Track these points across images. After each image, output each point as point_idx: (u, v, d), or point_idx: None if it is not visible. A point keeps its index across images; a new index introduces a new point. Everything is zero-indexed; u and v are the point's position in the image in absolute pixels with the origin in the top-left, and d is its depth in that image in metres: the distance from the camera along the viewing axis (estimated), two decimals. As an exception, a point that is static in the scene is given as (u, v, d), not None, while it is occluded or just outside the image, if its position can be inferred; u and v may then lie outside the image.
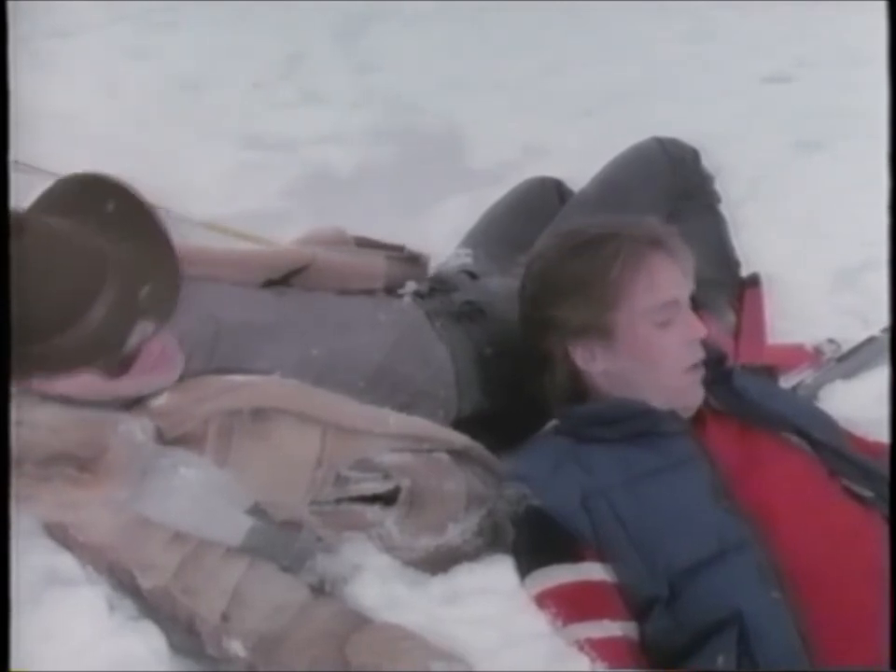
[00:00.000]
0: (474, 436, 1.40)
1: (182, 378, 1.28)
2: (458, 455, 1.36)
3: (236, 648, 1.17)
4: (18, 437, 1.16)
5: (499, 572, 1.25)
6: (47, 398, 1.20)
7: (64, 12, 2.82)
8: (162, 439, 1.21)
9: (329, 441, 1.26)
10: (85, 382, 1.19)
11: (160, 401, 1.24)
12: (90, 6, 2.91)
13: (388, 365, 1.45)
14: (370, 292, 1.61)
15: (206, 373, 1.31)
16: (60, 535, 1.21)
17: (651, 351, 1.35)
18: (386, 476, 1.29)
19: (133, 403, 1.24)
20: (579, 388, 1.40)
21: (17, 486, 1.15)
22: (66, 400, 1.20)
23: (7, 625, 1.06)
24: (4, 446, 1.11)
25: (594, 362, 1.37)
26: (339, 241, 1.69)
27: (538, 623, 1.19)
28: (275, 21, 2.90)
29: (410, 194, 2.26)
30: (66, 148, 2.09)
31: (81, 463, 1.16)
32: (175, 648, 1.19)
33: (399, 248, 1.70)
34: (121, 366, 1.20)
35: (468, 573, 1.27)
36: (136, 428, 1.19)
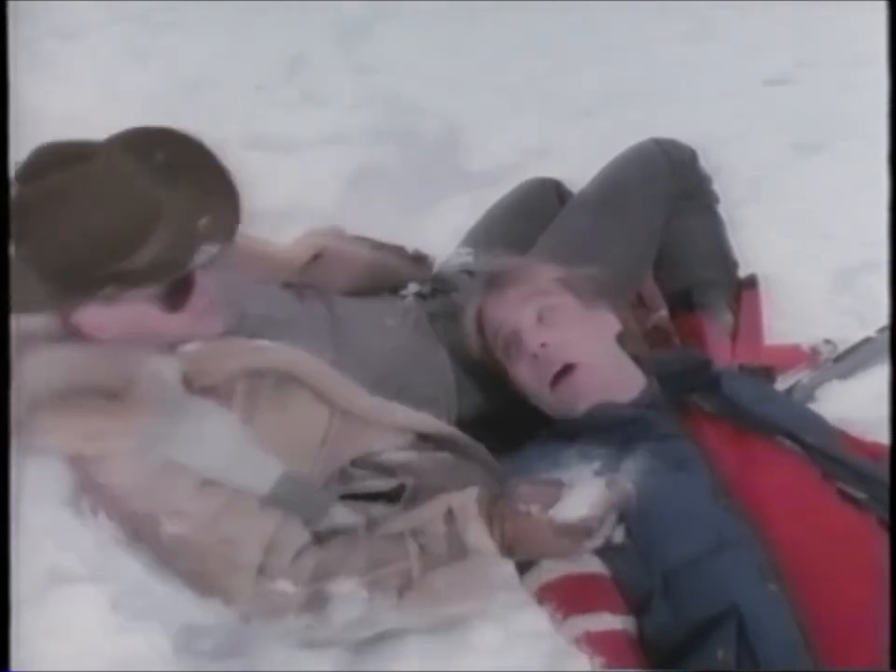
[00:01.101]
0: (474, 439, 1.42)
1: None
2: (461, 455, 1.37)
3: (283, 586, 1.18)
4: (36, 373, 1.16)
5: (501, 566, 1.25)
6: (66, 338, 1.21)
7: (66, 13, 2.82)
8: (189, 385, 1.22)
9: (336, 423, 1.29)
10: (142, 311, 1.21)
11: (190, 348, 1.25)
12: (91, 7, 2.91)
13: (394, 371, 1.46)
14: (375, 292, 1.63)
15: None
16: (79, 474, 1.21)
17: (512, 374, 1.48)
18: (391, 474, 1.30)
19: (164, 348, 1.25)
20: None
21: (39, 421, 1.15)
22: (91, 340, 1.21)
23: (7, 624, 1.06)
24: (4, 447, 1.11)
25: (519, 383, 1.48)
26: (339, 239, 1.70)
27: (538, 621, 1.20)
28: (277, 23, 2.90)
29: (410, 195, 2.27)
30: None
31: (107, 393, 1.16)
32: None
33: (403, 249, 1.72)
34: (177, 300, 1.23)
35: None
36: (165, 367, 1.21)
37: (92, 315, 1.21)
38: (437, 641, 1.18)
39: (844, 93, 2.53)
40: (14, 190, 1.17)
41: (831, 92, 2.58)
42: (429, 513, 1.24)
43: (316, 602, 1.17)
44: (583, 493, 1.22)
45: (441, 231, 1.97)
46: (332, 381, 1.31)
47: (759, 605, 1.16)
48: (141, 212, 1.17)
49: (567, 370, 1.42)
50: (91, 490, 1.21)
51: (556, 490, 1.23)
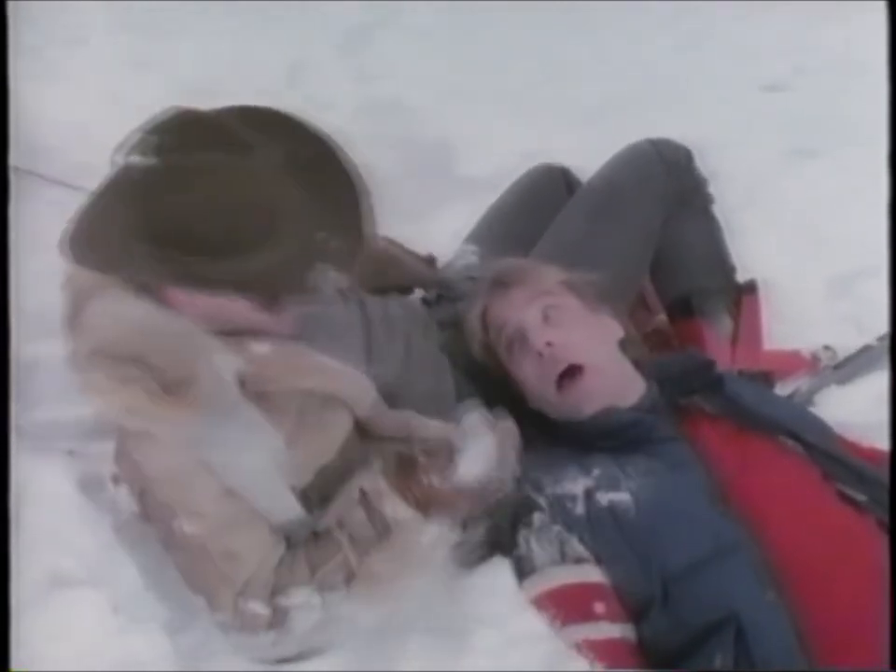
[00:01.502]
0: None
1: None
2: None
3: (255, 608, 1.18)
4: (100, 327, 1.14)
5: (498, 574, 1.26)
6: (144, 295, 1.17)
7: (69, 21, 2.83)
8: (243, 386, 1.20)
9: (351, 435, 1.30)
10: (234, 302, 1.18)
11: (262, 349, 1.22)
12: (93, 14, 2.92)
13: (398, 378, 1.45)
14: (386, 290, 1.62)
15: None
16: (117, 441, 1.21)
17: (515, 374, 1.47)
18: None
19: (233, 334, 1.22)
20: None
21: (89, 377, 1.13)
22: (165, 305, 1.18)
23: (8, 626, 1.07)
24: (4, 450, 1.12)
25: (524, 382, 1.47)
26: None
27: (537, 624, 1.20)
28: (278, 31, 2.90)
29: (409, 201, 2.27)
30: (72, 156, 2.10)
31: (165, 380, 1.13)
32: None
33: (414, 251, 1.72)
34: (275, 303, 1.20)
35: (467, 575, 1.29)
36: (227, 367, 1.18)
37: (180, 294, 1.17)
38: (438, 645, 1.19)
39: (841, 99, 2.53)
40: (150, 152, 1.10)
41: (828, 98, 2.58)
42: (346, 502, 1.24)
43: (278, 617, 1.19)
44: (474, 452, 1.26)
45: (441, 237, 1.97)
46: (377, 411, 1.32)
47: (757, 611, 1.17)
48: (270, 215, 1.12)
49: (575, 372, 1.41)
50: (122, 459, 1.21)
51: (449, 456, 1.26)
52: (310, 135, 1.19)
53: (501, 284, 1.52)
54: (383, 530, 1.22)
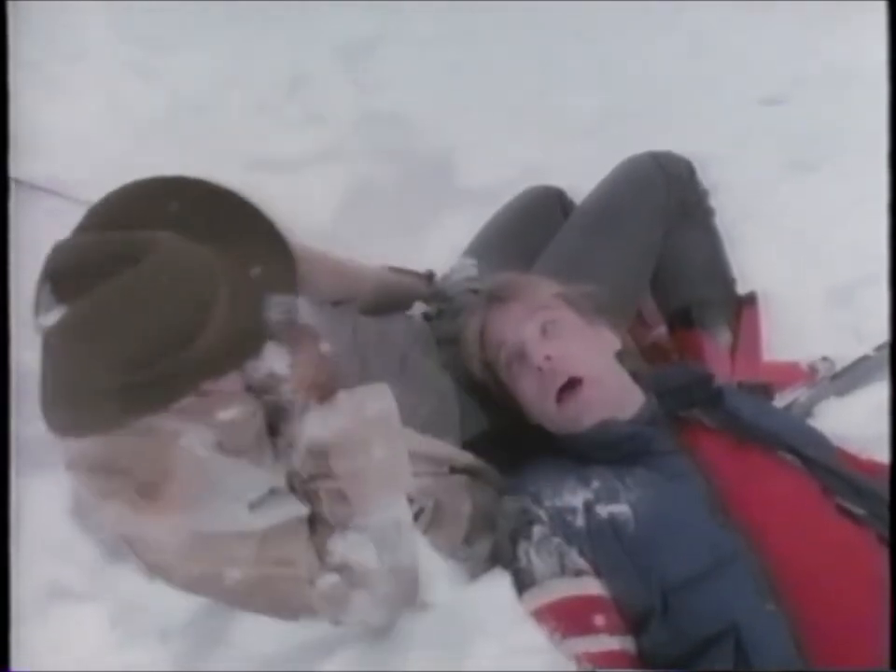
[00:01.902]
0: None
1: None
2: (471, 476, 1.38)
3: (329, 581, 1.22)
4: (75, 448, 1.16)
5: (498, 586, 1.26)
6: None
7: (69, 34, 2.84)
8: (222, 449, 1.20)
9: None
10: (231, 381, 1.17)
11: (228, 414, 1.21)
12: (94, 28, 2.93)
13: (400, 396, 1.46)
14: (389, 311, 1.63)
15: None
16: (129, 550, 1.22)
17: (515, 390, 1.47)
18: (410, 500, 1.31)
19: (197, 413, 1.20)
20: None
21: (78, 488, 1.15)
22: None
23: (8, 639, 1.07)
24: (4, 463, 1.12)
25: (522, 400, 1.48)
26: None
27: (536, 637, 1.20)
28: (278, 43, 2.92)
29: (409, 212, 2.28)
30: (72, 169, 2.11)
31: (139, 485, 1.15)
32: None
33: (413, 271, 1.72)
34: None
35: (469, 586, 1.29)
36: (197, 442, 1.18)
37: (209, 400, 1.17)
38: (438, 657, 1.19)
39: (840, 111, 2.54)
40: (53, 305, 1.06)
41: (827, 110, 2.59)
42: (299, 460, 1.25)
43: (346, 574, 1.21)
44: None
45: (440, 249, 1.97)
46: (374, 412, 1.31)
47: (757, 623, 1.16)
48: (195, 296, 1.07)
49: (573, 384, 1.42)
50: (144, 567, 1.23)
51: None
52: (192, 188, 1.16)
53: (498, 299, 1.53)
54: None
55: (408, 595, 1.24)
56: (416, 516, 1.31)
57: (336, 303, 1.57)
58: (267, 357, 1.17)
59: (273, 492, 1.22)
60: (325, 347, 1.29)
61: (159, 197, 1.14)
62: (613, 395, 1.43)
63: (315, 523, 1.25)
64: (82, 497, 1.19)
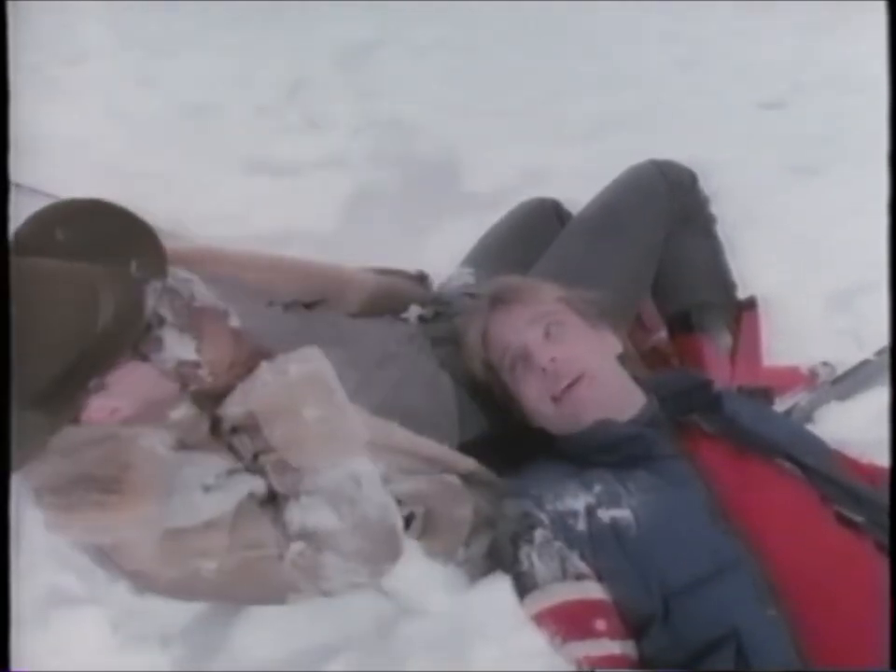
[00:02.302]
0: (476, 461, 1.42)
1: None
2: (466, 477, 1.38)
3: (296, 549, 1.21)
4: (32, 468, 1.16)
5: (498, 590, 1.26)
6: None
7: (72, 39, 2.85)
8: (183, 446, 1.23)
9: None
10: (141, 374, 1.19)
11: (179, 413, 1.25)
12: (95, 33, 2.94)
13: (396, 396, 1.46)
14: (375, 316, 1.63)
15: None
16: (109, 566, 1.22)
17: (516, 392, 1.47)
18: (400, 502, 1.30)
19: (151, 419, 1.24)
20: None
21: (46, 517, 1.16)
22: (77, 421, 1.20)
23: (8, 644, 1.07)
24: (4, 468, 1.12)
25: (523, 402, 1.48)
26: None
27: (536, 640, 1.20)
28: (278, 48, 2.93)
29: (410, 218, 2.28)
30: (73, 174, 2.11)
31: (101, 485, 1.16)
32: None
33: (404, 271, 1.72)
34: (154, 351, 1.20)
35: (469, 591, 1.28)
36: (156, 442, 1.20)
37: (99, 408, 1.19)
38: (438, 661, 1.19)
39: (840, 116, 2.55)
40: None
41: (827, 116, 2.60)
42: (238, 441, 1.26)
43: (312, 539, 1.21)
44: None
45: (441, 254, 1.97)
46: (335, 406, 1.30)
47: (758, 629, 1.16)
48: (79, 295, 1.14)
49: (572, 382, 1.42)
50: (127, 577, 1.22)
51: None
52: (75, 211, 1.23)
53: (501, 301, 1.53)
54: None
55: (386, 547, 1.24)
56: (408, 522, 1.30)
57: (309, 305, 1.59)
58: (168, 345, 1.21)
59: (230, 473, 1.23)
60: (234, 323, 1.29)
61: (48, 225, 1.21)
62: (612, 395, 1.43)
63: (274, 499, 1.25)
64: (51, 523, 1.18)
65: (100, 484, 1.16)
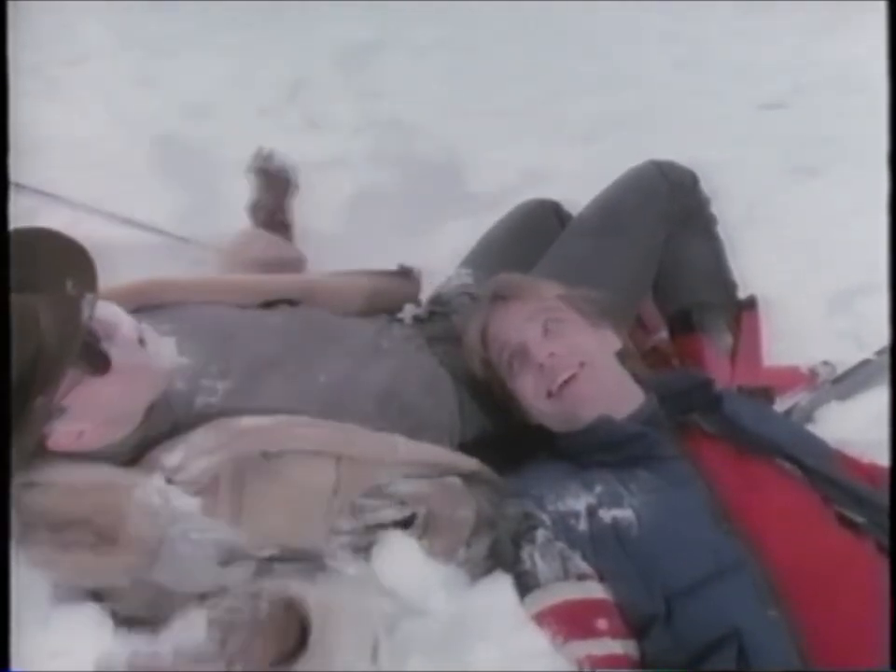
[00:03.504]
0: (477, 459, 1.42)
1: (191, 427, 1.27)
2: (468, 477, 1.38)
3: None
4: (30, 500, 1.16)
5: (500, 590, 1.26)
6: (56, 459, 1.19)
7: (73, 40, 2.85)
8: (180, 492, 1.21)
9: (344, 469, 1.29)
10: (86, 392, 1.17)
11: (173, 460, 1.23)
12: (96, 33, 2.94)
13: (394, 391, 1.46)
14: (369, 316, 1.63)
15: (214, 409, 1.31)
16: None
17: (514, 389, 1.48)
18: (402, 503, 1.31)
19: (144, 458, 1.24)
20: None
21: (33, 552, 1.15)
22: (75, 457, 1.20)
23: (8, 643, 1.07)
24: (5, 469, 1.12)
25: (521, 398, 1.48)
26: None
27: (538, 640, 1.20)
28: (279, 49, 2.93)
29: (411, 218, 2.28)
30: (73, 174, 2.11)
31: (98, 530, 1.16)
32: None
33: (390, 271, 1.72)
34: (101, 363, 1.19)
35: (469, 591, 1.29)
36: (153, 492, 1.20)
37: (65, 433, 1.19)
38: (438, 662, 1.19)
39: (839, 119, 2.55)
40: None
41: (826, 118, 2.60)
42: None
43: None
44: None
45: (442, 254, 1.98)
46: (326, 434, 1.31)
47: (759, 630, 1.16)
48: (24, 325, 1.13)
49: (569, 378, 1.43)
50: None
51: None
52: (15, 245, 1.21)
53: (500, 298, 1.53)
54: None
55: None
56: (409, 523, 1.31)
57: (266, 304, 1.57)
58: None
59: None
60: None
61: None
62: (610, 391, 1.44)
63: None
64: (39, 559, 1.17)
65: (96, 529, 1.16)
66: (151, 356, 1.24)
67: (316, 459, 1.28)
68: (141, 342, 1.23)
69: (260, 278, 1.67)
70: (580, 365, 1.43)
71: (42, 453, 1.18)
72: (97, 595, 1.21)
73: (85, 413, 1.18)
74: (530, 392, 1.46)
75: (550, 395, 1.43)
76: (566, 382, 1.42)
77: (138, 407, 1.25)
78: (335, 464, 1.28)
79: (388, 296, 1.69)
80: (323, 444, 1.29)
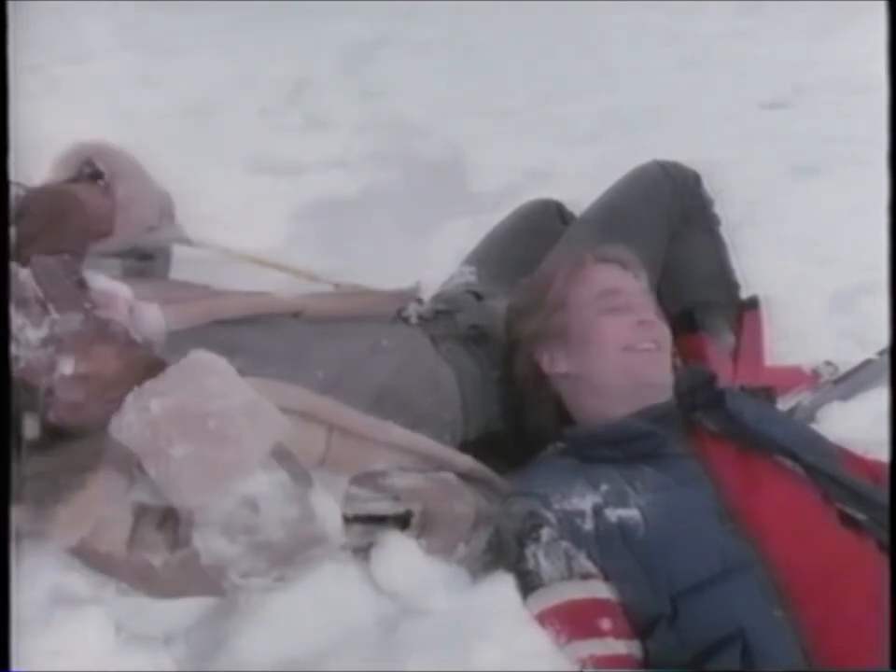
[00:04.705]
0: (480, 458, 1.42)
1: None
2: (464, 475, 1.38)
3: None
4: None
5: (502, 589, 1.26)
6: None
7: (74, 40, 2.85)
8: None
9: (335, 441, 1.28)
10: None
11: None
12: (98, 33, 2.95)
13: (392, 388, 1.45)
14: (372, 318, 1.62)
15: None
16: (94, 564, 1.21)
17: (594, 333, 1.49)
18: (396, 498, 1.30)
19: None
20: (548, 396, 1.53)
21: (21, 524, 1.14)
22: None
23: (8, 645, 1.07)
24: (5, 466, 1.11)
25: (555, 364, 1.51)
26: None
27: (540, 640, 1.20)
28: (281, 49, 2.93)
29: (413, 217, 2.28)
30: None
31: (81, 465, 1.15)
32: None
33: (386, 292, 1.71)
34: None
35: (470, 590, 1.28)
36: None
37: (61, 407, 1.17)
38: (439, 662, 1.19)
39: (841, 119, 2.56)
40: None
41: (828, 118, 2.61)
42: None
43: None
44: None
45: (444, 253, 1.98)
46: (319, 402, 1.30)
47: (764, 629, 1.16)
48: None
49: (654, 347, 1.49)
50: (100, 563, 1.20)
51: None
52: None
53: (604, 260, 1.57)
54: None
55: (302, 554, 1.19)
56: (406, 521, 1.30)
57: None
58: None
59: None
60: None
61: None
62: (663, 382, 1.49)
63: None
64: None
65: (78, 467, 1.15)
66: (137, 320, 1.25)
67: (307, 423, 1.26)
68: (130, 310, 1.24)
69: (262, 299, 1.65)
70: (664, 343, 1.49)
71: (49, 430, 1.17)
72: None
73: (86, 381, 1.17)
74: (611, 335, 1.48)
75: (629, 350, 1.46)
76: (645, 349, 1.47)
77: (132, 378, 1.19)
78: (326, 433, 1.27)
79: (386, 308, 1.68)
80: (314, 407, 1.27)
